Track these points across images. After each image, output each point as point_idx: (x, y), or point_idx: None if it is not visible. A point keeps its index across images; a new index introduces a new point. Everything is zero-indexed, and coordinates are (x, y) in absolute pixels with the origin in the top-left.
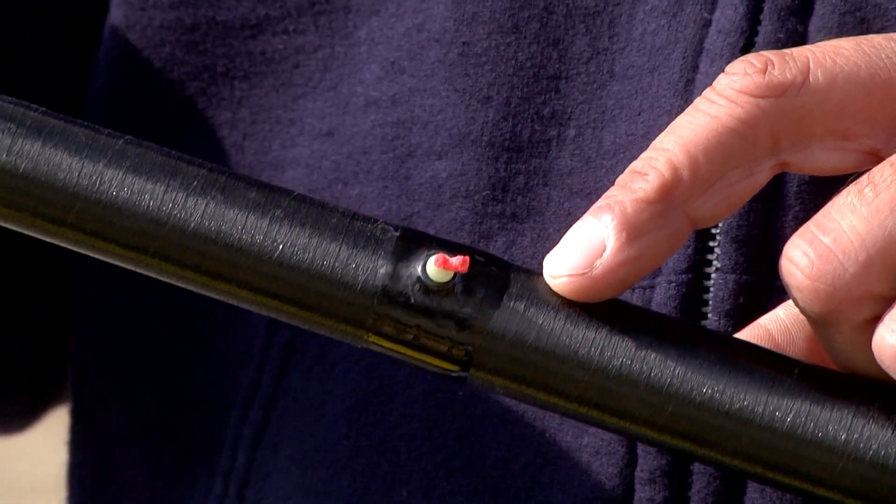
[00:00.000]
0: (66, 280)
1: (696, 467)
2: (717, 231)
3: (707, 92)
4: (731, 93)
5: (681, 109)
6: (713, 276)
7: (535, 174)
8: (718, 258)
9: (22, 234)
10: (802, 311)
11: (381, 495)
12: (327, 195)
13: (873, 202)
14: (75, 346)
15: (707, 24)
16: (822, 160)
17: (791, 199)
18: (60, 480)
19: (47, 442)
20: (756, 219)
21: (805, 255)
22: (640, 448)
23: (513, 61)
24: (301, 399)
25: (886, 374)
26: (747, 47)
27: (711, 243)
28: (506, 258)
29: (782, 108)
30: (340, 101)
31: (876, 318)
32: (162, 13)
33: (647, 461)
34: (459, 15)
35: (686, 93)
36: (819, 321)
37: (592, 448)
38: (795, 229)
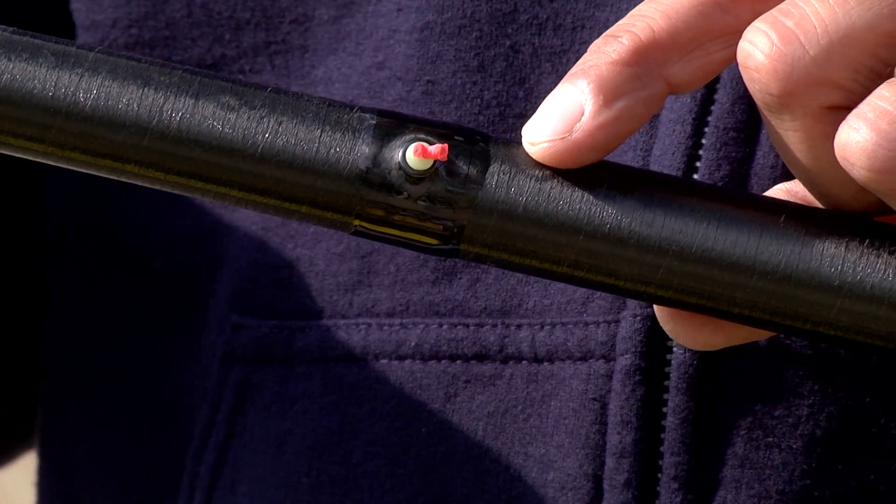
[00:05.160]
0: (36, 319)
1: (663, 502)
2: None
3: None
4: None
5: (646, 145)
6: None
7: None
8: None
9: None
10: (758, 98)
11: None
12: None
13: None
14: (44, 386)
15: None
16: None
17: None
18: None
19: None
20: None
21: (766, 36)
22: (607, 483)
23: (478, 99)
24: (259, 437)
25: (844, 189)
26: (710, 83)
27: None
28: (470, 296)
29: None
30: None
31: (832, 108)
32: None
33: (613, 496)
34: (423, 53)
35: (651, 128)
36: (774, 107)
37: (558, 483)
38: None
